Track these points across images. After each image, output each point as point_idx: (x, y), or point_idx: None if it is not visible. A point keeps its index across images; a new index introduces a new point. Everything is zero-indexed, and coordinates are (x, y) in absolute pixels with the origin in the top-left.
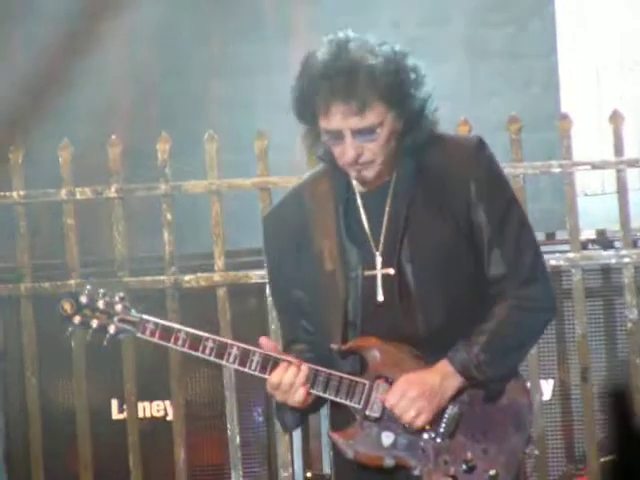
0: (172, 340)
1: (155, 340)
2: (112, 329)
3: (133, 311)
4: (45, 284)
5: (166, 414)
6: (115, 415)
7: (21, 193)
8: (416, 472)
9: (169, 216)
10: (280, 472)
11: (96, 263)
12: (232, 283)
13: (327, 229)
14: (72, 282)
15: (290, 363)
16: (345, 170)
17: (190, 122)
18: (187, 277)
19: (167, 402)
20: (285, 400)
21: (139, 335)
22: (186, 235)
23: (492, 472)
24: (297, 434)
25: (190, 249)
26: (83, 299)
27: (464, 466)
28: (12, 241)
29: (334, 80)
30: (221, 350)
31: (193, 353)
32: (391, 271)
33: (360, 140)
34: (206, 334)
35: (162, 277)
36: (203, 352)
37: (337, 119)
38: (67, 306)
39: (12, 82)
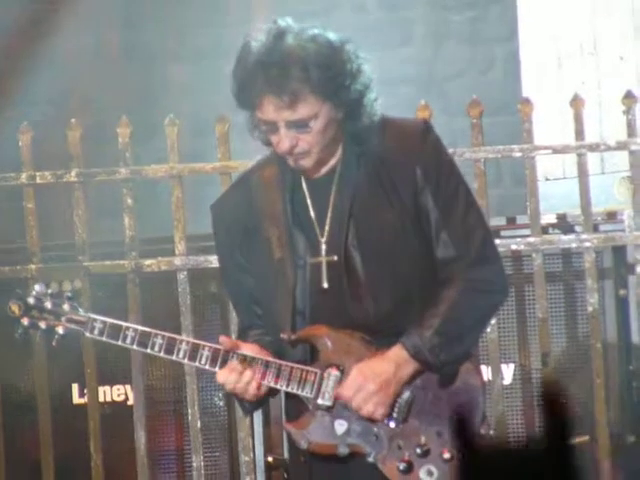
0: (120, 338)
1: (104, 339)
2: (60, 329)
3: (81, 310)
4: (5, 268)
5: (127, 398)
6: (76, 399)
7: None
8: (370, 459)
9: (130, 200)
10: (241, 457)
11: (56, 247)
12: (193, 267)
13: (275, 216)
14: (32, 267)
15: (237, 363)
16: (284, 158)
17: (151, 106)
18: (148, 261)
19: (127, 386)
20: (234, 395)
21: (87, 335)
22: (147, 219)
23: (446, 455)
24: (258, 419)
25: (151, 233)
26: (31, 300)
27: (418, 450)
28: None
29: (267, 72)
30: (170, 346)
31: (142, 350)
32: (335, 258)
33: (294, 131)
34: (155, 331)
35: (123, 261)
36: (152, 349)
37: (270, 111)
38: (15, 308)
39: None
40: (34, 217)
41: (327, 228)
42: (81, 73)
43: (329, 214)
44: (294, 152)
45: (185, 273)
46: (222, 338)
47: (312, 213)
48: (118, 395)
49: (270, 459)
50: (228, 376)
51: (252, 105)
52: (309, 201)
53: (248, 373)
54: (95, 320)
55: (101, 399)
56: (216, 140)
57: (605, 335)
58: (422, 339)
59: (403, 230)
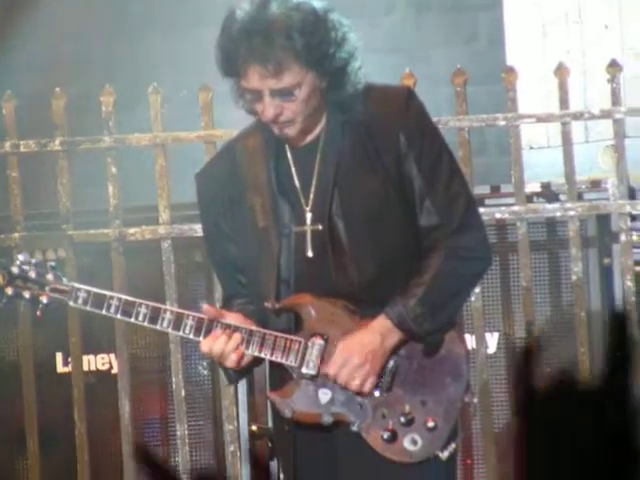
0: (104, 308)
1: (87, 308)
2: (44, 299)
3: (65, 280)
4: None
5: (111, 367)
6: (60, 368)
7: None
8: (354, 428)
9: (114, 169)
10: (225, 425)
11: (40, 216)
12: (177, 236)
13: (259, 185)
14: (16, 235)
15: (222, 332)
16: (269, 127)
17: (134, 75)
18: (132, 230)
19: (112, 355)
20: (219, 364)
21: (71, 304)
22: (131, 188)
23: (430, 424)
24: (242, 388)
25: (135, 202)
26: (14, 269)
27: (402, 419)
28: None
29: (251, 41)
30: (154, 315)
31: (126, 320)
32: (320, 227)
33: (279, 100)
34: (139, 300)
35: (107, 230)
36: (136, 318)
37: (255, 80)
38: None
39: None
40: (18, 186)
41: (312, 197)
42: (65, 42)
43: (314, 183)
44: (278, 120)
45: (169, 242)
46: (206, 307)
47: (297, 182)
48: (102, 364)
49: (254, 428)
50: (212, 345)
51: (237, 74)
52: (294, 170)
53: (232, 342)
54: (79, 289)
55: (85, 368)
56: (199, 109)
57: (589, 304)
58: (406, 308)
59: (387, 198)
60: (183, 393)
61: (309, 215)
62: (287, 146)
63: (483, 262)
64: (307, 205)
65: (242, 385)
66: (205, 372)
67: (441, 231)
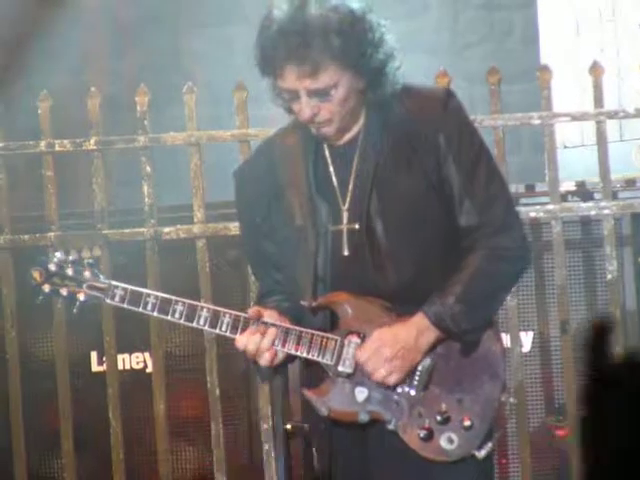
0: (141, 305)
1: (125, 306)
2: (82, 296)
3: (102, 277)
4: (24, 236)
5: (145, 366)
6: (95, 367)
7: (0, 145)
8: (390, 426)
9: (148, 168)
10: (260, 424)
11: (75, 215)
12: (211, 235)
13: (297, 183)
14: (51, 234)
15: (257, 329)
16: (307, 126)
17: (169, 74)
18: (166, 229)
19: (146, 354)
20: (253, 361)
21: (108, 302)
22: (165, 187)
23: (467, 423)
24: (277, 386)
25: (169, 201)
26: (52, 267)
27: (439, 417)
28: None
29: (288, 41)
30: (191, 313)
31: (163, 317)
32: (356, 226)
33: (315, 100)
34: (175, 297)
35: (142, 229)
36: (173, 316)
37: (292, 79)
38: (36, 275)
39: None
40: (53, 185)
41: (349, 196)
42: (100, 41)
43: (351, 182)
44: (315, 120)
45: (204, 241)
46: (250, 309)
47: (334, 180)
48: (137, 363)
49: (289, 426)
50: (247, 342)
51: (274, 73)
52: (331, 168)
53: (267, 339)
54: (116, 287)
55: (120, 367)
56: (234, 108)
57: (624, 303)
58: (444, 307)
59: (425, 198)
60: (218, 392)
61: (346, 214)
62: (325, 145)
63: (522, 262)
64: (344, 204)
65: (276, 383)
66: (240, 370)
67: (481, 231)
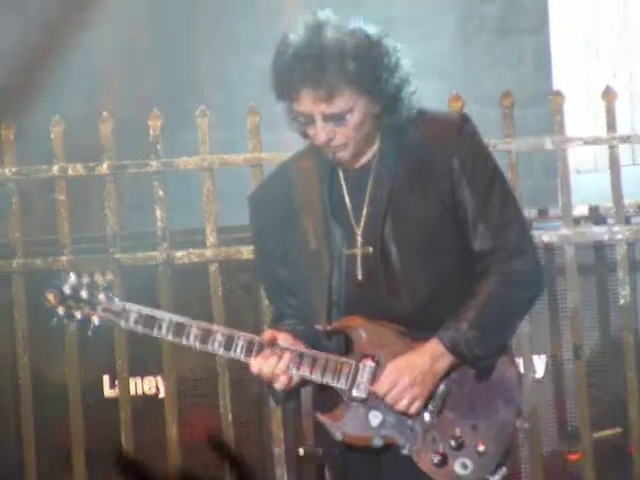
0: (155, 329)
1: (139, 330)
2: (96, 320)
3: (116, 300)
4: (37, 260)
5: (158, 390)
6: (107, 392)
7: (13, 169)
8: (405, 451)
9: (161, 192)
10: (273, 449)
11: (88, 239)
12: (224, 259)
13: (312, 207)
14: (64, 258)
15: (271, 353)
16: (322, 150)
17: (182, 99)
18: (179, 253)
19: (158, 378)
20: (267, 385)
21: (123, 325)
22: (178, 211)
23: (481, 448)
24: (289, 410)
25: (182, 225)
26: (67, 289)
27: (453, 443)
28: (4, 217)
29: (304, 66)
30: (205, 336)
31: (177, 340)
32: (370, 249)
33: (331, 124)
34: (190, 320)
35: (154, 253)
36: (187, 339)
37: (307, 104)
38: (51, 297)
39: (3, 59)
40: (66, 209)
41: (363, 219)
42: (112, 65)
43: (365, 205)
44: (331, 145)
45: (216, 265)
46: (265, 333)
47: (349, 204)
48: (149, 388)
49: (301, 451)
50: (262, 366)
51: (290, 97)
52: (346, 192)
53: (282, 363)
54: (130, 310)
55: (132, 391)
56: (247, 132)
57: (637, 327)
58: (458, 332)
59: (440, 222)
60: (230, 417)
61: (360, 238)
62: (340, 168)
63: (535, 286)
64: (358, 227)
65: (289, 407)
66: (253, 395)
67: (495, 256)
